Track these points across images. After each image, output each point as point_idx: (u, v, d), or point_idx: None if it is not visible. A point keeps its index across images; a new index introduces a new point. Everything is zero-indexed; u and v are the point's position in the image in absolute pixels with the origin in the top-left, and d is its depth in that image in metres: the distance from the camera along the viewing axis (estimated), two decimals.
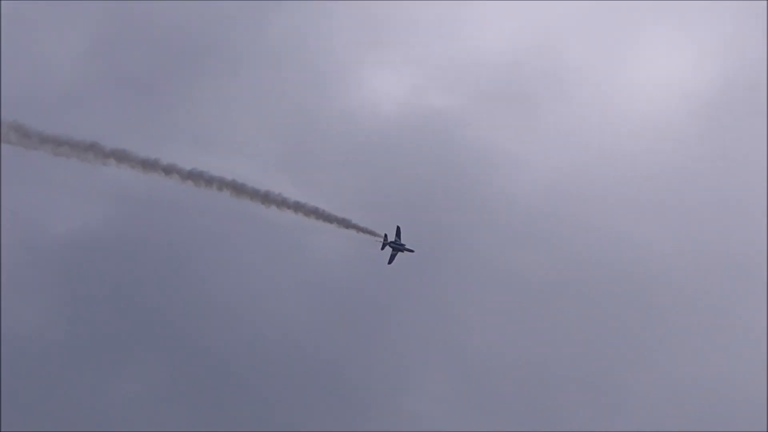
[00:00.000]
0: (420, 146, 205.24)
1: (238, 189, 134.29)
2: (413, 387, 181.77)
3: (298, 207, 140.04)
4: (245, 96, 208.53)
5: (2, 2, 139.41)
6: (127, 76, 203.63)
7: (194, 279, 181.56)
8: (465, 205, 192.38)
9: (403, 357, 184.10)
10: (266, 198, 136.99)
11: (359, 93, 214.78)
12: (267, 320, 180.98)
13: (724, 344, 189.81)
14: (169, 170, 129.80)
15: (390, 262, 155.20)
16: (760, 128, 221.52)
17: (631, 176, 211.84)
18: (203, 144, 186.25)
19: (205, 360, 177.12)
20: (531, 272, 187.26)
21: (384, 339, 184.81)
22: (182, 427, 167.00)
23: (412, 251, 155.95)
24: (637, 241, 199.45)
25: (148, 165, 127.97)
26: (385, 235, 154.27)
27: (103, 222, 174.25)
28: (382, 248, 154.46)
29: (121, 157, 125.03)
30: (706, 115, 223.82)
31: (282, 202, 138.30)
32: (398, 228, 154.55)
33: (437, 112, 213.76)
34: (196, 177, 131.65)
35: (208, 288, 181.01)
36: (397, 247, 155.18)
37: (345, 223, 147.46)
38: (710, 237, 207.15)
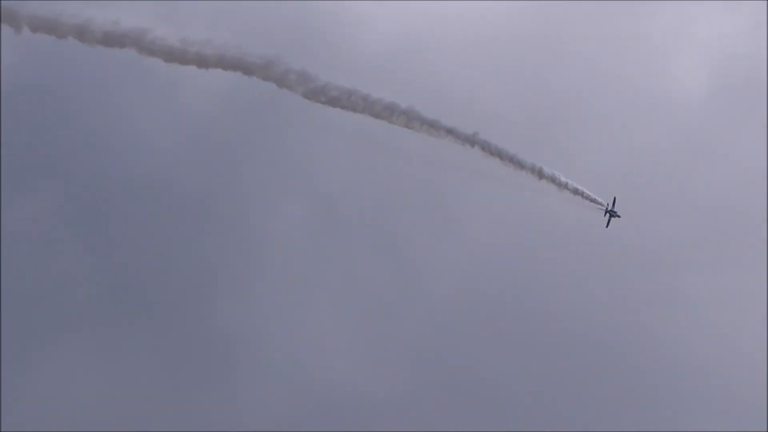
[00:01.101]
0: None
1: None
2: (273, 211, 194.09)
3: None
4: None
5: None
6: None
7: (72, 118, 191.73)
8: (314, 53, 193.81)
9: (265, 186, 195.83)
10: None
11: None
12: (134, 156, 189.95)
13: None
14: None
15: (607, 226, 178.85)
16: None
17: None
18: None
19: (77, 193, 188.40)
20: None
21: (249, 169, 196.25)
22: (51, 257, 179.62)
23: (619, 216, 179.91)
24: (470, 87, 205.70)
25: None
26: (607, 204, 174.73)
27: None
28: (605, 215, 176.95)
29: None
30: None
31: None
32: (614, 198, 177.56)
33: None
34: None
35: (84, 124, 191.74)
36: (613, 213, 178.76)
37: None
38: (542, 78, 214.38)
